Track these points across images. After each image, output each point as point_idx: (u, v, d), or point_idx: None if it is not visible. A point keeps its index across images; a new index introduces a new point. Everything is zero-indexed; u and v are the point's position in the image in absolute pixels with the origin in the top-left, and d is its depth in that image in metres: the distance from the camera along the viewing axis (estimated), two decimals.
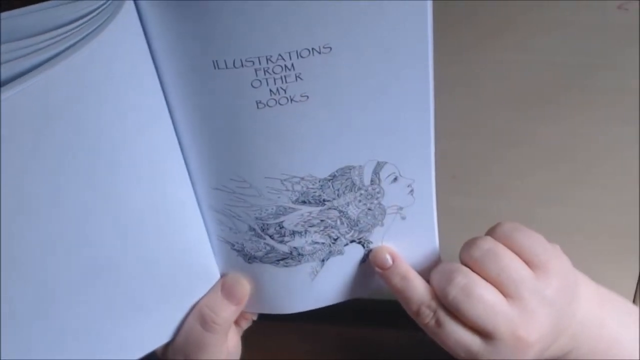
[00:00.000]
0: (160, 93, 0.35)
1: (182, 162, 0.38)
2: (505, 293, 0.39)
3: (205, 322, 0.41)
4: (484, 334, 0.39)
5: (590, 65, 0.53)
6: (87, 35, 0.30)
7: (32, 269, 0.33)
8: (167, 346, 0.43)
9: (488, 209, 0.60)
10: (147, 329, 0.40)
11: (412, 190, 0.41)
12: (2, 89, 0.28)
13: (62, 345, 0.36)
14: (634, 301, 0.61)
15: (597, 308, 0.43)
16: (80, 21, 0.31)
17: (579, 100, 0.54)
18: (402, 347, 0.63)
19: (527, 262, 0.40)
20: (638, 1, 0.49)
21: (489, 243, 0.40)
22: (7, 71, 0.29)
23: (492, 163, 0.58)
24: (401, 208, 0.41)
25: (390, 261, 0.42)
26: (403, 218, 0.42)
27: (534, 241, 0.40)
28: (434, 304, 0.40)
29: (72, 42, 0.30)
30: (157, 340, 0.42)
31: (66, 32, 0.30)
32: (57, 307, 0.35)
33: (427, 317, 0.40)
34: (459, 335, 0.39)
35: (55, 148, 0.31)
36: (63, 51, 0.30)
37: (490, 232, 0.41)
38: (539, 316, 0.39)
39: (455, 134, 0.57)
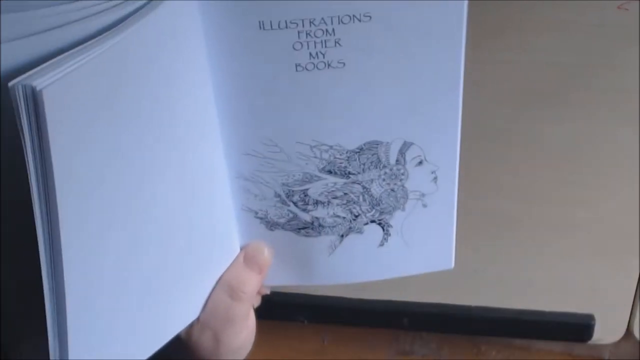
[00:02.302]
0: (205, 55, 0.36)
1: (217, 129, 0.39)
2: None
3: (233, 292, 0.42)
4: None
5: (590, 65, 0.53)
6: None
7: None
8: (191, 326, 0.43)
9: (488, 209, 0.60)
10: (177, 306, 0.41)
11: (435, 178, 0.41)
12: (83, 47, 0.29)
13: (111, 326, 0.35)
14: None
15: None
16: None
17: (579, 100, 0.54)
18: (403, 346, 0.64)
19: None
20: (638, 1, 0.50)
21: None
22: (81, 31, 0.30)
23: (493, 163, 0.58)
24: (423, 195, 0.42)
25: None
26: (424, 206, 0.42)
27: None
28: None
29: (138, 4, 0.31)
30: (186, 317, 0.41)
31: None
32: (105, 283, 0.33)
33: None
34: None
35: (122, 109, 0.32)
36: (132, 13, 0.31)
37: None
38: None
39: None
